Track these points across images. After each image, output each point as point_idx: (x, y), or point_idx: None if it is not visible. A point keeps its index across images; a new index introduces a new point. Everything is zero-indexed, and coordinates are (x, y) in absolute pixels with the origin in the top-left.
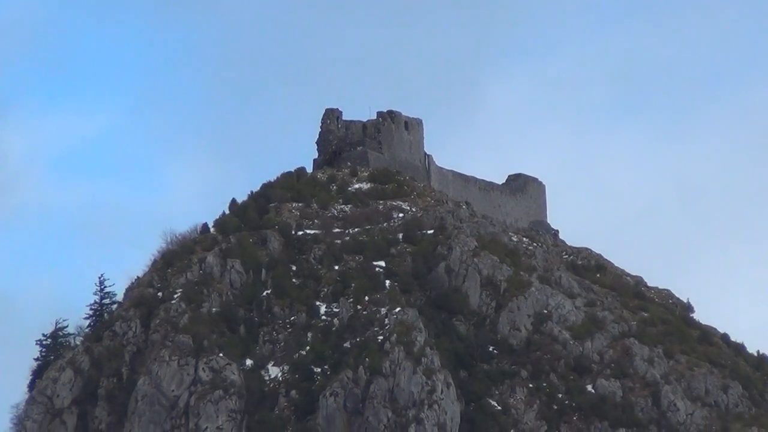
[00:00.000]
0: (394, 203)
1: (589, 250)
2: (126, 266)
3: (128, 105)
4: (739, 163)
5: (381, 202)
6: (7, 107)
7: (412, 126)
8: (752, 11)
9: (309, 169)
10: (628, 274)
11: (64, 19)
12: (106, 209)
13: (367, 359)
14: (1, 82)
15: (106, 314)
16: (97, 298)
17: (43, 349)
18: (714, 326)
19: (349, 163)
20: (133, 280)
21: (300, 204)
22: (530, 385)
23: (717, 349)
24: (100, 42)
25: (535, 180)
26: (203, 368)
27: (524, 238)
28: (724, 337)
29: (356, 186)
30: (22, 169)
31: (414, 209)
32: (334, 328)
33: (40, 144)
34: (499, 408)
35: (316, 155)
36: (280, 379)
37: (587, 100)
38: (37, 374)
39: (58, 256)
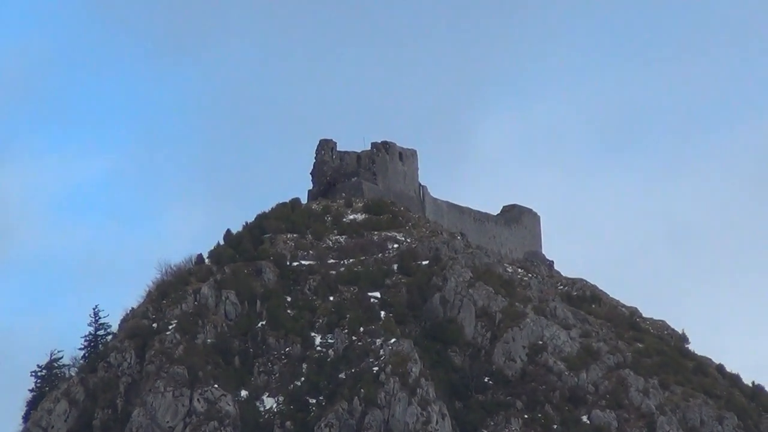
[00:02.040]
0: (388, 234)
1: (584, 281)
2: (121, 298)
3: (125, 146)
4: (729, 201)
5: (376, 232)
6: (7, 152)
7: (407, 157)
8: (739, 54)
9: (303, 200)
10: (623, 305)
11: (63, 65)
12: (104, 251)
13: (362, 390)
14: (0, 126)
15: (100, 345)
16: (91, 329)
17: (38, 380)
18: (709, 357)
19: (343, 194)
20: (128, 311)
21: (295, 235)
22: (525, 416)
23: (712, 380)
24: (97, 87)
25: (529, 211)
26: (198, 399)
27: (519, 269)
28: (720, 368)
29: (351, 217)
30: (21, 212)
31: (409, 240)
32: (329, 359)
33: (39, 188)
34: None
35: (310, 186)
36: (275, 410)
37: (577, 140)
38: (32, 405)
39: (54, 297)
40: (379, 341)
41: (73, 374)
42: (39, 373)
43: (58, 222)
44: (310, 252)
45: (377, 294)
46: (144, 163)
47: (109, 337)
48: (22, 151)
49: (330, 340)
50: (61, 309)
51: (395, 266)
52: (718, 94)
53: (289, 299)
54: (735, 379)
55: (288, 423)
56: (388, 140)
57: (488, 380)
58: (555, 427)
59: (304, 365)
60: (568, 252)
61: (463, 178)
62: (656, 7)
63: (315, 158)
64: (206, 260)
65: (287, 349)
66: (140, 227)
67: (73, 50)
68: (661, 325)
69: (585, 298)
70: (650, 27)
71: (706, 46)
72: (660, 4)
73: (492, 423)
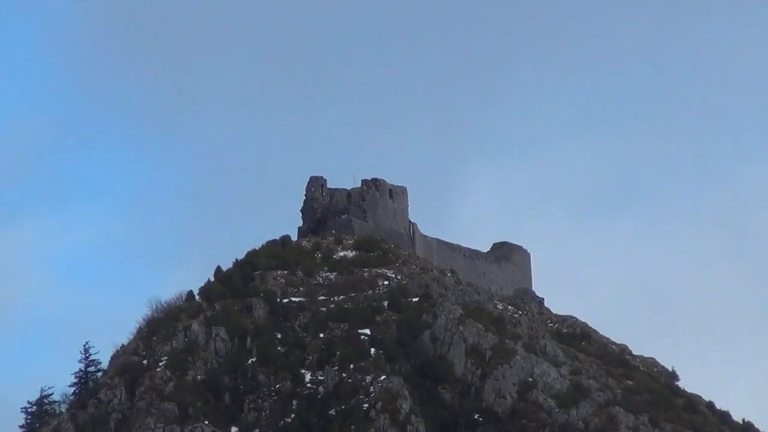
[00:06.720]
0: (379, 271)
1: (575, 318)
2: (111, 335)
3: (120, 207)
4: (712, 251)
5: (366, 269)
6: (9, 220)
7: (397, 194)
8: (717, 119)
9: (294, 237)
10: (614, 342)
11: (58, 139)
12: (97, 298)
13: (352, 427)
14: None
15: (91, 382)
16: (82, 365)
17: (28, 417)
18: (699, 394)
19: (333, 231)
20: (118, 348)
21: (285, 272)
22: None
23: (702, 417)
24: (91, 157)
25: (520, 248)
26: None
27: (509, 306)
28: (710, 405)
29: (341, 254)
30: (21, 275)
31: (399, 277)
32: (319, 396)
33: (39, 252)
34: None
35: (300, 223)
36: None
37: (568, 188)
38: None
39: (46, 341)
40: (369, 378)
41: (63, 410)
42: (29, 410)
43: (56, 282)
44: (301, 289)
45: (367, 331)
46: (138, 222)
47: (100, 374)
48: (24, 219)
49: (320, 377)
50: (51, 348)
51: (385, 303)
52: (689, 161)
53: (279, 336)
54: (725, 417)
55: None
56: (378, 177)
57: (478, 417)
58: None
59: (294, 402)
60: (558, 289)
61: (454, 215)
62: (636, 73)
63: (305, 195)
64: (197, 297)
65: (277, 385)
66: (135, 279)
67: (69, 123)
68: (651, 363)
69: (575, 336)
70: (632, 93)
71: (684, 108)
72: (639, 71)
73: None
